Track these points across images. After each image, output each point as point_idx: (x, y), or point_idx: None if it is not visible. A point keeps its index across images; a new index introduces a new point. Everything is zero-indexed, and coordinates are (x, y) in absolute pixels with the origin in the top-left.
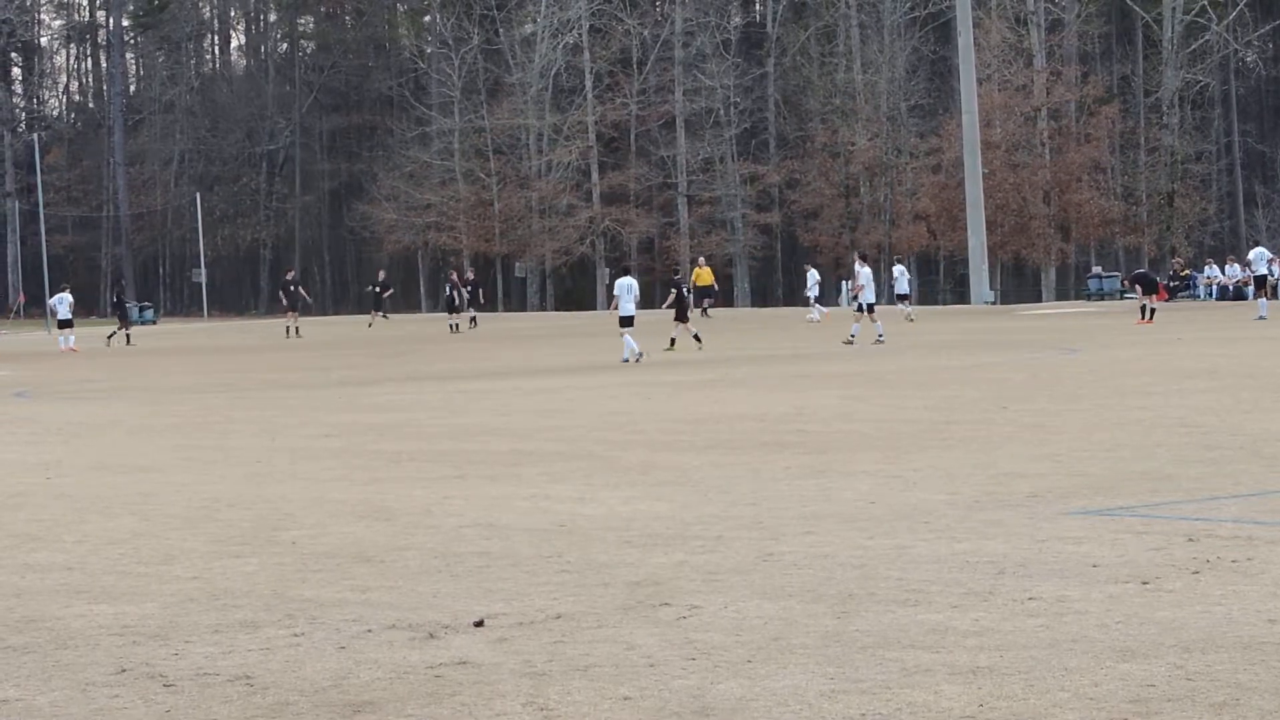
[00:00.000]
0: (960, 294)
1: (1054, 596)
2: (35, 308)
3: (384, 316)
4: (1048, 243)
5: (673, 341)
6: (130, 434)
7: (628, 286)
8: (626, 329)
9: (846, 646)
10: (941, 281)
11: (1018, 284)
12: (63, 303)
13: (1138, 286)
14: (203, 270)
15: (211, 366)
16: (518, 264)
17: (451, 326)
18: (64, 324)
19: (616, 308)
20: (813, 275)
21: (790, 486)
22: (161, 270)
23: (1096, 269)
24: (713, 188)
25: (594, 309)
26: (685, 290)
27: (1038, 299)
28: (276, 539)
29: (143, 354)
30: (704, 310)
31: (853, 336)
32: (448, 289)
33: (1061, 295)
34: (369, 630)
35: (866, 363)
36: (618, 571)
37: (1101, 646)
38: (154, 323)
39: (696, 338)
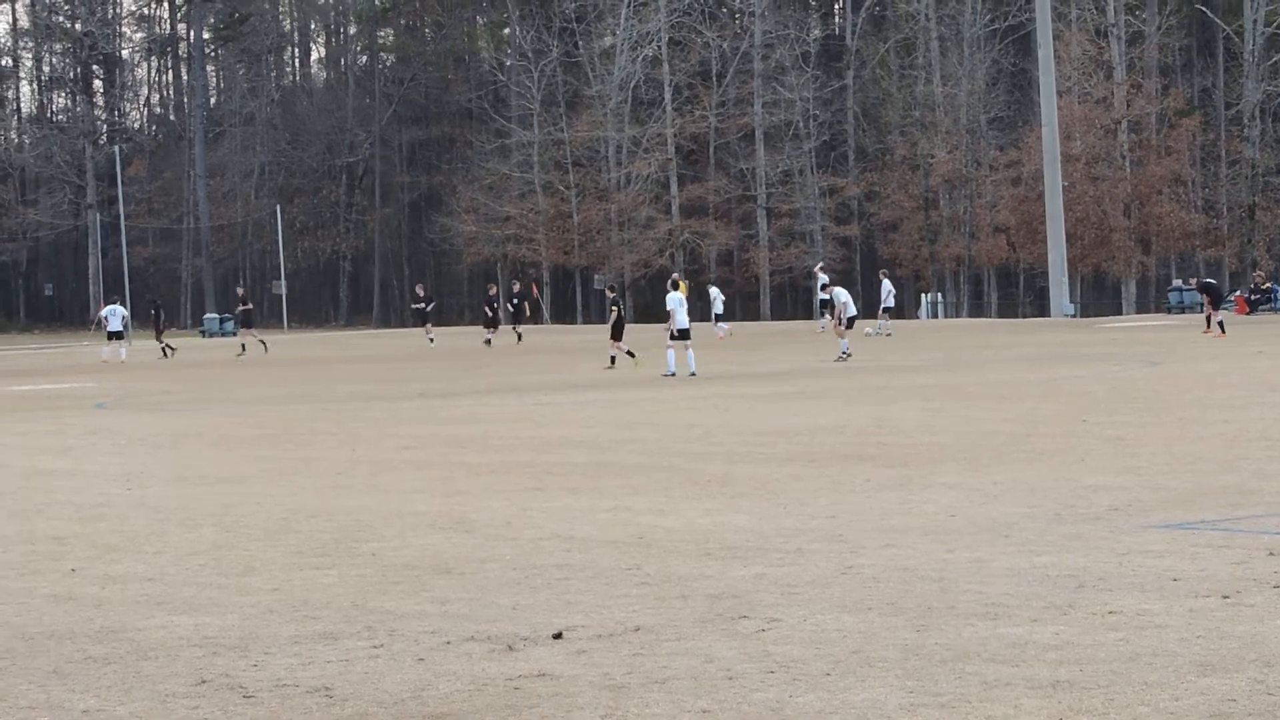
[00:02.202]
0: (1040, 307)
1: (1134, 610)
2: None
3: (428, 334)
4: (1128, 255)
5: (612, 360)
6: (211, 445)
7: (680, 301)
8: (681, 340)
9: (926, 660)
10: (1021, 294)
11: (1098, 297)
12: (115, 314)
13: (1205, 296)
14: (283, 282)
15: (292, 378)
16: (596, 276)
17: (486, 341)
18: (113, 335)
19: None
20: (886, 286)
21: (870, 499)
22: (242, 282)
23: (1177, 282)
24: (792, 200)
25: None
26: (622, 309)
27: (1118, 312)
28: (356, 550)
29: (223, 365)
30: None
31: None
32: (489, 305)
33: (1142, 308)
34: (448, 642)
35: (948, 375)
36: (697, 584)
37: (1182, 661)
38: (234, 335)
39: (630, 354)
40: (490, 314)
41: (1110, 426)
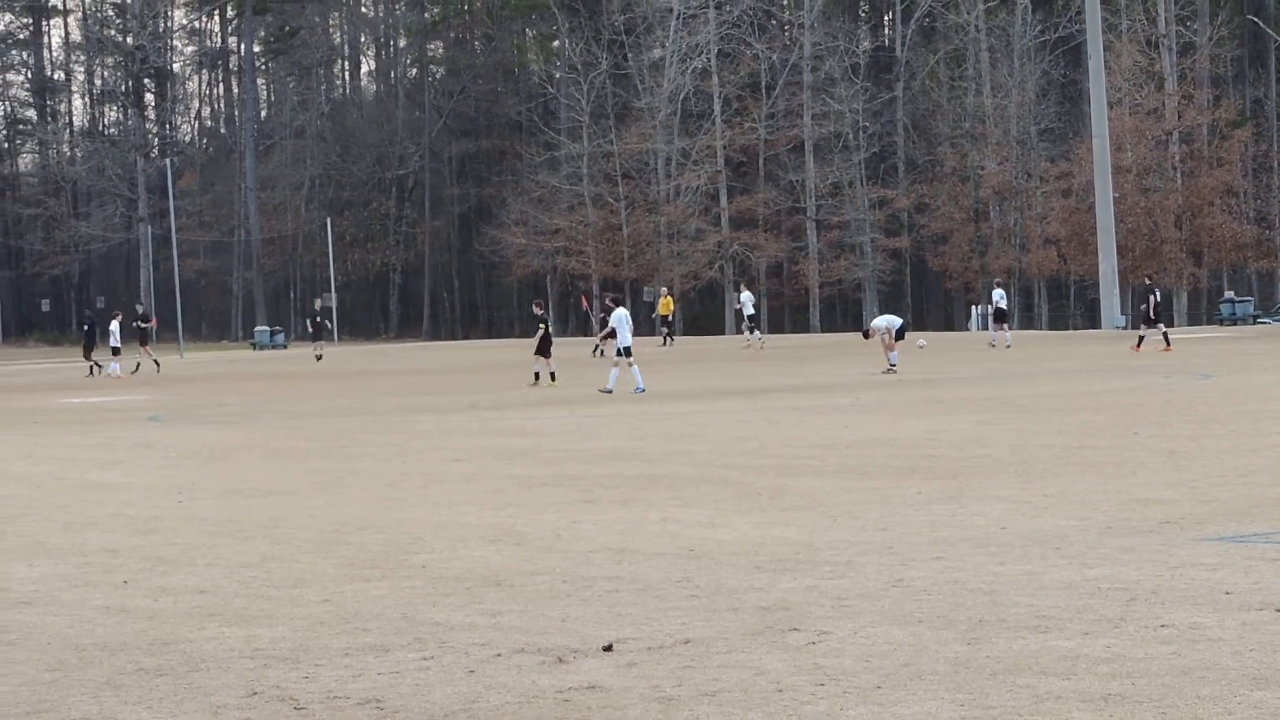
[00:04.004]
0: (1091, 319)
1: (1187, 624)
2: (168, 331)
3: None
4: (1179, 267)
5: (536, 376)
6: (262, 458)
7: (624, 317)
8: (625, 358)
9: (977, 673)
10: (1072, 306)
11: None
12: (116, 331)
13: None
14: (333, 294)
15: (342, 390)
16: (646, 288)
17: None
18: (115, 350)
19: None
20: (998, 293)
21: (921, 511)
22: (292, 295)
23: (1229, 294)
24: (841, 212)
25: (722, 333)
26: (549, 326)
27: (1170, 324)
28: (407, 563)
29: (274, 378)
30: (665, 339)
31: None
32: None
33: (1194, 320)
34: (498, 654)
35: (999, 388)
36: (747, 596)
37: (1235, 674)
38: (284, 347)
39: (552, 375)
40: (601, 326)
41: (1162, 439)
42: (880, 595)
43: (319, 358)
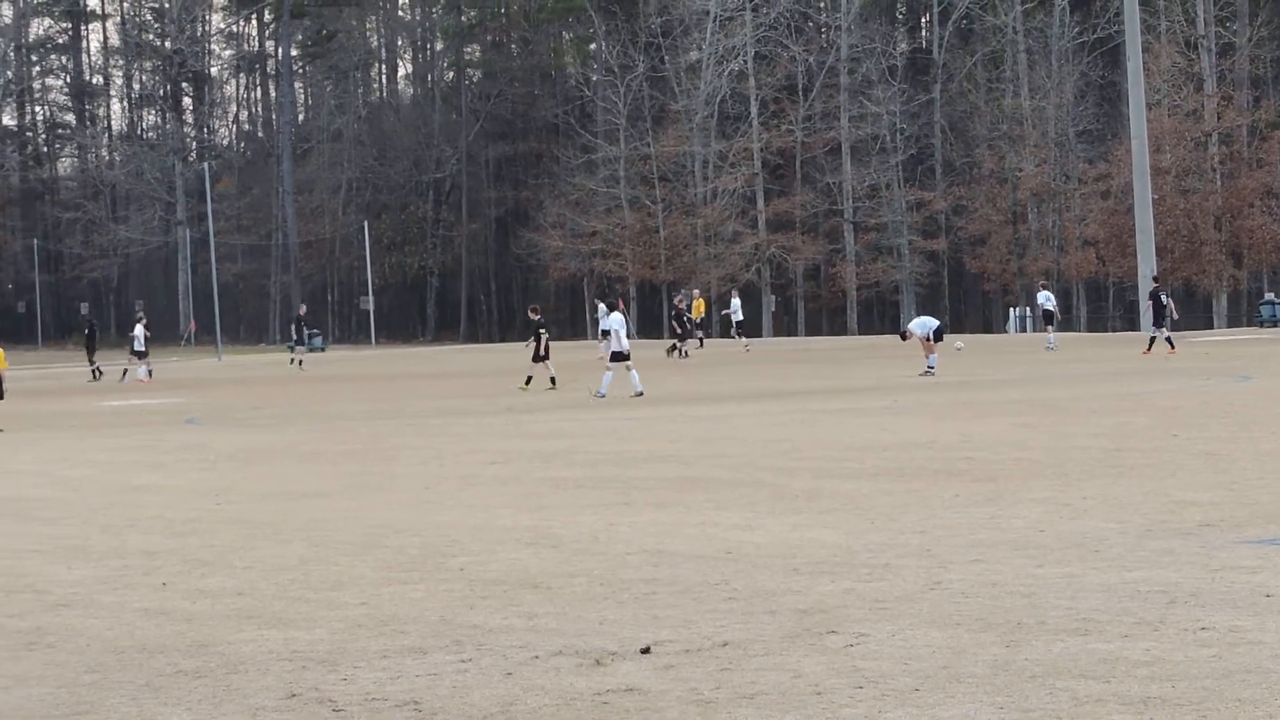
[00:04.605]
0: (1130, 321)
1: (1227, 626)
2: (206, 335)
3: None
4: (1219, 269)
5: (528, 380)
6: (300, 460)
7: (620, 322)
8: (621, 362)
9: (1016, 676)
10: (1110, 308)
11: (1188, 311)
12: (140, 335)
13: None
14: (370, 297)
15: (380, 393)
16: (681, 291)
17: (683, 353)
18: (140, 354)
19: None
20: (1045, 295)
21: (959, 514)
22: (330, 298)
23: (1269, 295)
24: (879, 214)
25: (759, 335)
26: (545, 331)
27: (1209, 326)
28: (444, 565)
29: (312, 381)
30: (700, 341)
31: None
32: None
33: (1233, 322)
34: (536, 657)
35: (1036, 390)
36: (784, 599)
37: (1275, 678)
38: (323, 350)
39: (552, 380)
40: (680, 329)
41: (1201, 441)
42: (918, 598)
43: (299, 363)
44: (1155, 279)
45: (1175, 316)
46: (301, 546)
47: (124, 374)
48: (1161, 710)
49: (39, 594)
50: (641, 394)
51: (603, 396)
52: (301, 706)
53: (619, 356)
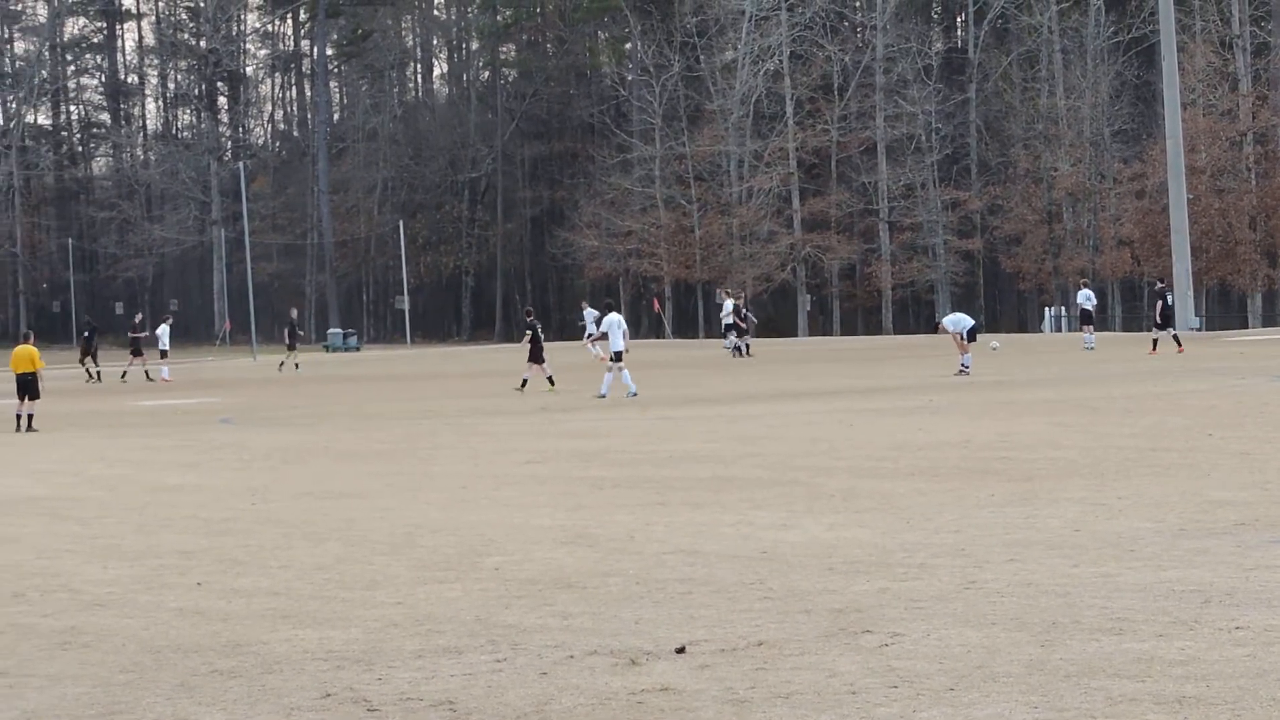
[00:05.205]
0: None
1: (1261, 626)
2: (241, 334)
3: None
4: (1254, 269)
5: (524, 382)
6: (335, 460)
7: (618, 322)
8: (616, 363)
9: (1051, 675)
10: (1146, 308)
11: (1223, 310)
12: (166, 333)
13: None
14: (405, 297)
15: (415, 393)
16: (717, 290)
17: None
18: (162, 354)
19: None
20: (1085, 294)
21: (994, 514)
22: (365, 297)
23: None
24: (914, 214)
25: (794, 335)
26: (540, 331)
27: (1244, 325)
28: (479, 565)
29: (347, 380)
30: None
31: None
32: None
33: (1268, 322)
34: (571, 656)
35: (1071, 389)
36: (820, 599)
37: None
38: (358, 349)
39: (550, 380)
40: (742, 324)
41: (1236, 441)
42: (953, 597)
43: (290, 366)
44: (1160, 280)
45: (1159, 320)
46: (337, 546)
47: (123, 375)
48: (1196, 709)
49: (74, 593)
50: (635, 394)
51: (603, 397)
52: (336, 706)
53: (615, 357)
